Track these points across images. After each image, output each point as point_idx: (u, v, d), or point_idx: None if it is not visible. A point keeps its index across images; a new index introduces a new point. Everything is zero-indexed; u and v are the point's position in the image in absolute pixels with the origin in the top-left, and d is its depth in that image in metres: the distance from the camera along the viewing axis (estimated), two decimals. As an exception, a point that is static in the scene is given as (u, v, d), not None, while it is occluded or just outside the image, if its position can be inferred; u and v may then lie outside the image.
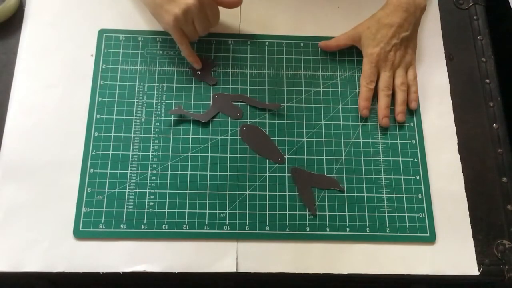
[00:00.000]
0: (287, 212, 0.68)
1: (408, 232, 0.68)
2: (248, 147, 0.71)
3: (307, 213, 0.68)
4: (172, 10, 0.67)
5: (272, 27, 0.79)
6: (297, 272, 0.66)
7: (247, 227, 0.67)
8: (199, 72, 0.75)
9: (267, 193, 0.69)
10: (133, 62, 0.75)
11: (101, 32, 0.77)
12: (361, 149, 0.72)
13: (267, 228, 0.67)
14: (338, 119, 0.74)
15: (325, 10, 0.81)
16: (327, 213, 0.69)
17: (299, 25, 0.79)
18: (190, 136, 0.71)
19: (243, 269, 0.66)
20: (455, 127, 0.75)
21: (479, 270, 0.67)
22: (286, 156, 0.71)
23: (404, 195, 0.70)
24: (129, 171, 0.69)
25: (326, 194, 0.70)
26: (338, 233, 0.68)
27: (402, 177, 0.71)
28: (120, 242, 0.66)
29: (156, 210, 0.67)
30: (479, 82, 0.78)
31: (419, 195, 0.70)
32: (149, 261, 0.65)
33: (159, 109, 0.73)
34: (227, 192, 0.69)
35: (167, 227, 0.67)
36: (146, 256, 0.65)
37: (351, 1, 0.82)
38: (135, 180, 0.69)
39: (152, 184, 0.69)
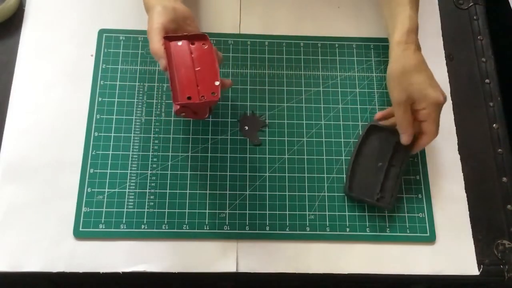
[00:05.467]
0: (287, 212, 0.68)
1: (408, 232, 0.68)
2: (248, 147, 0.71)
3: (307, 213, 0.68)
4: None
5: (272, 27, 0.79)
6: (297, 272, 0.66)
7: (247, 227, 0.67)
8: (246, 127, 0.72)
9: (267, 193, 0.69)
10: (133, 62, 0.75)
11: (101, 32, 0.77)
12: (361, 149, 0.72)
13: (267, 228, 0.67)
14: (338, 119, 0.74)
15: (325, 10, 0.81)
16: (327, 213, 0.69)
17: (299, 25, 0.79)
18: (190, 136, 0.71)
19: (243, 269, 0.66)
20: (455, 127, 0.75)
21: (479, 270, 0.67)
22: (286, 156, 0.71)
23: (404, 195, 0.70)
24: (129, 171, 0.69)
25: (326, 194, 0.70)
26: (338, 233, 0.68)
27: (402, 177, 0.71)
28: (120, 242, 0.66)
29: (156, 210, 0.67)
30: (479, 82, 0.78)
31: (419, 195, 0.70)
32: (149, 261, 0.65)
33: (159, 109, 0.73)
34: (227, 192, 0.69)
35: (167, 227, 0.67)
36: (146, 256, 0.65)
37: (351, 1, 0.82)
38: (135, 180, 0.69)
39: (152, 184, 0.69)
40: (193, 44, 0.64)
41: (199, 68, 0.62)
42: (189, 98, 0.60)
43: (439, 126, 0.66)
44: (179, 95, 0.60)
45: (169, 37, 0.63)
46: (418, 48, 0.67)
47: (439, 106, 0.65)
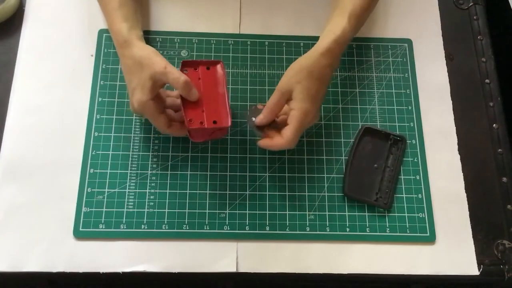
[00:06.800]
0: (287, 212, 0.68)
1: (408, 232, 0.68)
2: (248, 147, 0.71)
3: (307, 213, 0.68)
4: (132, 100, 0.65)
5: (272, 27, 0.79)
6: (297, 272, 0.66)
7: (247, 227, 0.67)
8: (253, 118, 0.67)
9: (267, 193, 0.69)
10: (133, 62, 0.75)
11: (101, 32, 0.77)
12: (361, 149, 0.72)
13: (267, 228, 0.67)
14: (338, 119, 0.74)
15: (325, 10, 0.81)
16: (327, 213, 0.69)
17: (299, 25, 0.79)
18: (190, 136, 0.71)
19: (243, 269, 0.66)
20: (455, 127, 0.75)
21: (479, 270, 0.67)
22: (286, 156, 0.71)
23: (404, 195, 0.70)
24: (129, 171, 0.69)
25: (326, 194, 0.70)
26: (338, 233, 0.68)
27: (402, 177, 0.71)
28: (120, 242, 0.66)
29: (156, 210, 0.67)
30: (479, 82, 0.78)
31: (419, 195, 0.70)
32: (149, 261, 0.65)
33: (159, 109, 0.73)
34: (227, 192, 0.69)
35: (167, 227, 0.67)
36: (146, 256, 0.65)
37: (351, 1, 0.82)
38: (135, 180, 0.69)
39: (152, 184, 0.69)
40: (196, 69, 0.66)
41: (206, 93, 0.64)
42: (201, 123, 0.63)
43: (295, 139, 0.62)
44: (186, 121, 0.62)
45: (186, 65, 0.65)
46: (328, 63, 0.65)
47: (299, 119, 0.62)
